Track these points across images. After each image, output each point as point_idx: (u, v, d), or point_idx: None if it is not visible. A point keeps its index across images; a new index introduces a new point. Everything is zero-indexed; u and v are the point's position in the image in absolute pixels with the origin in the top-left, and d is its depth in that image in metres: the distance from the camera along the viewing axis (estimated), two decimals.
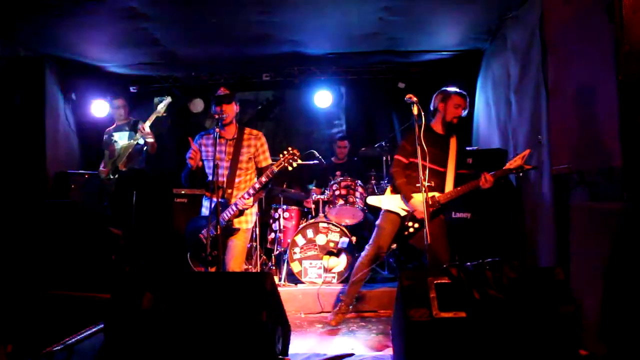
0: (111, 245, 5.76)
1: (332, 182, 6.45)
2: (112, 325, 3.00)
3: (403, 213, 4.50)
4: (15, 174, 5.93)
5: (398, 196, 4.57)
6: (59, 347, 3.33)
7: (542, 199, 4.67)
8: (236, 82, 7.87)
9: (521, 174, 4.29)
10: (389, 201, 4.61)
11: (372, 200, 4.80)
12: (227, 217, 4.35)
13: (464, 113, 4.52)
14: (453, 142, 4.52)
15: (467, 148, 5.87)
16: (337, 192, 6.39)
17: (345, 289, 4.81)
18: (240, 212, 4.41)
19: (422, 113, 4.02)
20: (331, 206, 6.40)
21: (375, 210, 5.18)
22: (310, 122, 8.17)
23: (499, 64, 6.01)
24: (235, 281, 3.03)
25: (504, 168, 4.26)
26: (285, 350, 3.13)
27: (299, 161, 4.33)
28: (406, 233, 4.48)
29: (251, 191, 4.33)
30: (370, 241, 4.67)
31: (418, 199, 4.33)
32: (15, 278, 4.78)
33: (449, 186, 4.45)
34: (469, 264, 2.88)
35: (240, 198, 4.34)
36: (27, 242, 5.14)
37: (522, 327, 2.69)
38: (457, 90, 4.54)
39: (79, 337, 3.52)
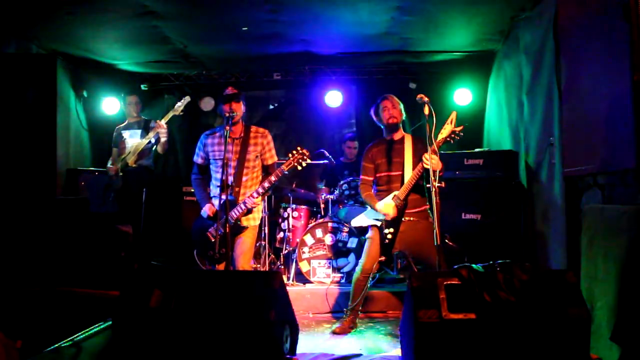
0: (120, 242, 5.77)
1: (341, 182, 6.44)
2: (120, 323, 2.99)
3: (379, 223, 4.60)
4: (25, 170, 5.93)
5: (366, 213, 4.78)
6: (67, 344, 3.34)
7: (554, 200, 4.63)
8: (247, 80, 7.87)
9: (457, 138, 4.25)
10: (368, 216, 4.74)
11: (355, 222, 4.91)
12: (235, 216, 4.37)
13: (398, 110, 4.70)
14: (408, 144, 4.64)
15: (478, 149, 5.85)
16: (346, 192, 6.39)
17: (349, 304, 4.80)
18: (248, 210, 4.43)
19: (434, 113, 4.00)
20: (340, 206, 6.39)
21: None
22: (321, 121, 8.14)
23: (511, 65, 5.96)
24: (244, 280, 3.02)
25: (438, 140, 4.19)
26: (293, 350, 3.12)
27: (309, 161, 4.36)
28: (386, 241, 4.53)
29: (260, 190, 4.37)
30: (363, 255, 4.71)
31: (382, 203, 4.54)
32: (24, 274, 4.79)
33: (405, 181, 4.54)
34: (479, 265, 2.85)
35: (249, 197, 4.36)
36: (36, 239, 5.15)
37: (533, 330, 2.66)
38: (380, 97, 4.79)
39: (87, 334, 3.53)
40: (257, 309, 2.76)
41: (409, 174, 4.48)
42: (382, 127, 4.82)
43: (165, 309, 2.87)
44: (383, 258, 4.61)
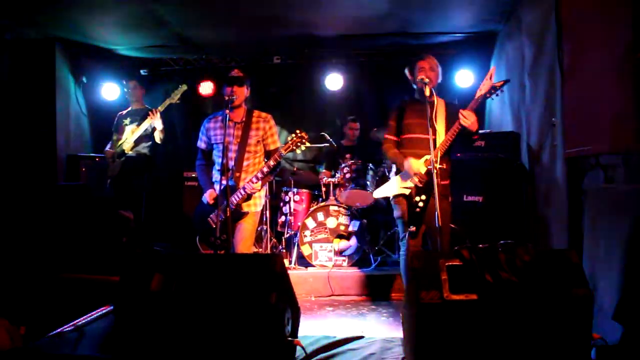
0: (122, 228, 5.77)
1: (342, 165, 6.42)
2: (121, 307, 3.00)
3: (407, 192, 4.21)
4: (26, 156, 5.94)
5: (397, 177, 4.34)
6: (69, 328, 3.35)
7: (556, 182, 4.61)
8: (247, 64, 7.82)
9: (497, 94, 4.00)
10: (392, 186, 4.36)
11: (378, 193, 4.51)
12: (235, 201, 4.32)
13: (436, 73, 4.31)
14: (441, 107, 4.22)
15: (481, 131, 5.81)
16: (347, 175, 6.37)
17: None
18: (249, 196, 4.39)
19: (435, 94, 3.97)
20: (342, 189, 6.38)
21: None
22: (321, 104, 8.09)
23: (513, 46, 5.91)
24: (245, 263, 3.01)
25: (477, 96, 3.96)
26: (294, 332, 3.12)
27: (308, 144, 4.29)
28: (417, 210, 4.10)
29: (259, 175, 4.31)
30: (401, 235, 4.35)
31: (411, 161, 4.12)
32: (27, 261, 4.80)
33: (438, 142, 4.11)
34: (481, 245, 2.83)
35: (248, 182, 4.31)
36: (38, 225, 5.16)
37: (535, 310, 2.65)
38: (419, 55, 4.39)
39: (89, 319, 3.54)
40: (258, 292, 2.76)
41: (441, 138, 4.09)
42: (414, 87, 4.41)
43: (166, 292, 2.87)
44: (413, 228, 4.14)
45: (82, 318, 3.55)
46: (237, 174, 4.38)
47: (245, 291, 2.79)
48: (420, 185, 4.09)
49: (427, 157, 4.05)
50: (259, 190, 4.42)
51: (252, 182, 4.30)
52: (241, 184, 4.34)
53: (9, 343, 3.43)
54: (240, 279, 2.84)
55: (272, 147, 4.54)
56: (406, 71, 4.44)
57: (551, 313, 2.65)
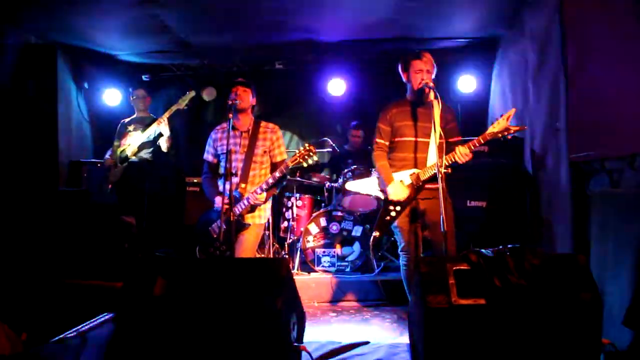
0: (124, 234, 5.75)
1: (345, 170, 6.39)
2: (124, 312, 2.96)
3: (383, 196, 4.18)
4: (27, 162, 5.91)
5: (375, 179, 4.31)
6: (72, 334, 3.31)
7: (560, 186, 4.58)
8: (249, 70, 7.80)
9: (509, 137, 3.94)
10: (368, 185, 4.34)
11: (350, 185, 4.53)
12: (238, 212, 4.22)
13: (432, 74, 4.10)
14: (435, 110, 3.98)
15: None
16: (350, 180, 6.35)
17: None
18: (252, 208, 4.31)
19: (439, 99, 3.94)
20: (344, 194, 6.35)
21: None
22: (324, 110, 8.06)
23: (516, 51, 5.90)
24: (250, 267, 2.98)
25: (486, 133, 3.89)
26: (300, 338, 3.10)
27: (315, 158, 4.20)
28: (388, 218, 4.09)
29: (264, 186, 4.22)
30: (399, 245, 4.26)
31: (395, 185, 4.08)
32: (28, 267, 4.78)
33: (431, 158, 4.05)
34: (489, 250, 2.81)
35: (252, 193, 4.23)
36: (40, 231, 5.13)
37: (544, 314, 2.62)
38: (415, 53, 4.14)
39: (92, 325, 3.50)
40: (263, 297, 2.73)
41: (433, 143, 3.99)
42: (407, 85, 4.23)
43: (170, 297, 2.84)
44: (377, 233, 4.14)
45: (84, 324, 3.51)
46: (243, 185, 4.28)
47: (251, 296, 2.76)
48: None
49: (415, 171, 4.09)
50: (264, 202, 4.34)
51: (257, 193, 4.22)
52: (246, 195, 4.26)
53: (8, 349, 3.39)
54: (246, 283, 2.82)
55: (278, 159, 4.45)
56: (399, 68, 4.25)
57: (560, 317, 2.62)
